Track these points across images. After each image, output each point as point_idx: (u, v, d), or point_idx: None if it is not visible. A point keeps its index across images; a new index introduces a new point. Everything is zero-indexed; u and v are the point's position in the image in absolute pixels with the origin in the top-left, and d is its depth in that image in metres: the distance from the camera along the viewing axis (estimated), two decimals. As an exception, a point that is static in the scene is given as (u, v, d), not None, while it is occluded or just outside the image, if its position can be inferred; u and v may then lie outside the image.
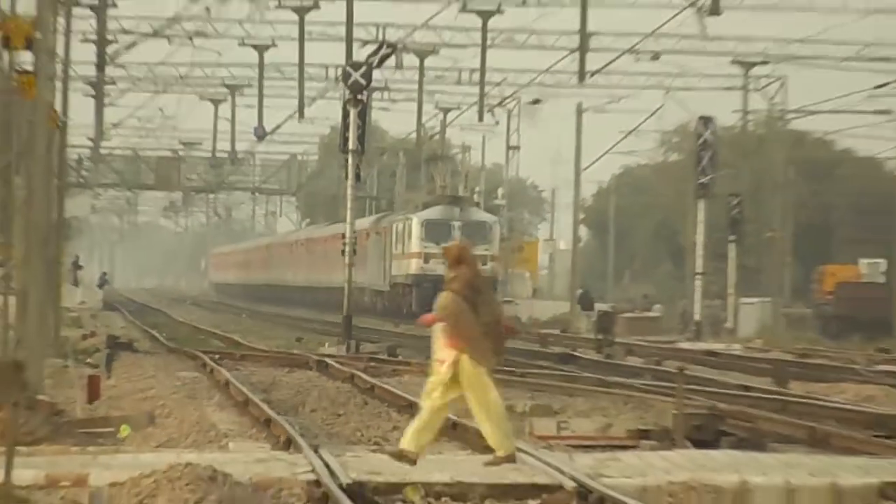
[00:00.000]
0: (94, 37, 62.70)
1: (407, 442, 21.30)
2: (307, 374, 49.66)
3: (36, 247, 40.31)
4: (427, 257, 77.35)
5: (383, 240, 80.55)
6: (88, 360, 38.19)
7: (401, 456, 21.17)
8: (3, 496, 16.77)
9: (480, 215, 78.42)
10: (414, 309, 71.64)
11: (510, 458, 21.39)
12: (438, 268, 68.83)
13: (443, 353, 21.24)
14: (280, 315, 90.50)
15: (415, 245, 78.12)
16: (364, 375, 47.36)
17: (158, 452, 24.31)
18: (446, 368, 21.07)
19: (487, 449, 23.80)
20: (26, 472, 19.25)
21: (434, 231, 75.34)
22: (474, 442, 27.42)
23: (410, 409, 35.05)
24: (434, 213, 75.70)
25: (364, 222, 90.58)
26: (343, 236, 73.17)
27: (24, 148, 39.08)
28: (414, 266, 78.18)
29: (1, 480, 16.98)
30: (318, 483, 19.41)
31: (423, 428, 21.69)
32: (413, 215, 79.50)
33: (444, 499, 20.02)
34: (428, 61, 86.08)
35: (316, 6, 70.47)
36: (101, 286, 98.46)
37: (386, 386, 43.20)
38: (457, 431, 30.00)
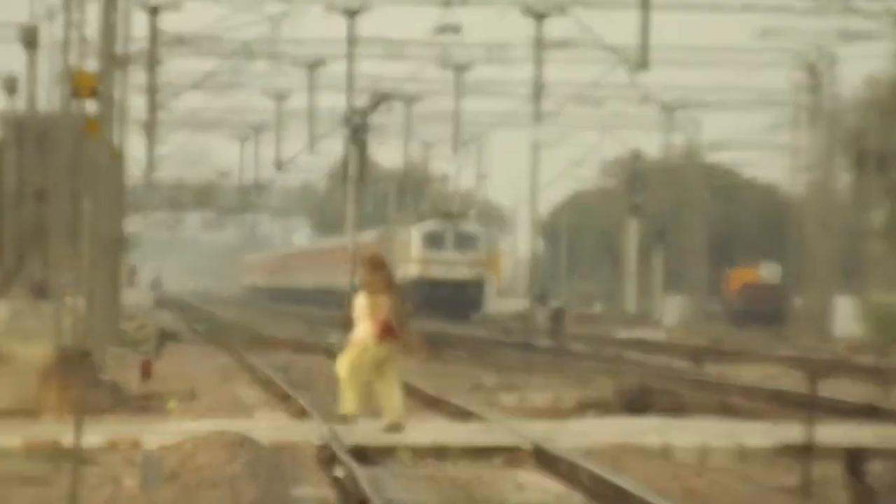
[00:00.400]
0: (145, 88, 62.66)
1: (344, 408, 22.91)
2: (317, 358, 48.65)
3: (100, 257, 41.46)
4: (426, 262, 76.79)
5: (386, 248, 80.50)
6: (142, 348, 37.94)
7: (343, 419, 22.64)
8: (73, 456, 14.83)
9: (470, 227, 78.07)
10: (415, 305, 67.67)
11: (398, 426, 22.63)
12: (435, 271, 74.43)
13: (360, 336, 22.77)
14: (297, 312, 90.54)
15: (415, 252, 77.15)
16: None
17: (198, 421, 24.33)
18: (363, 348, 22.72)
19: (463, 418, 26.84)
20: (93, 436, 19.18)
21: (432, 240, 74.93)
22: (453, 413, 28.56)
23: (409, 387, 33.89)
24: (431, 225, 74.41)
25: (369, 234, 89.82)
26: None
27: (91, 177, 39.61)
28: (414, 270, 76.77)
29: (72, 443, 15.80)
30: (326, 446, 19.79)
31: (352, 397, 22.96)
32: (413, 227, 78.69)
33: (427, 458, 20.84)
34: (415, 106, 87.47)
35: (323, 63, 71.64)
36: (152, 288, 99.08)
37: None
38: (439, 405, 30.76)
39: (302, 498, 16.38)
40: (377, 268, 23.74)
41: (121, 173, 49.43)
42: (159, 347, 40.53)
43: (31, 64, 57.56)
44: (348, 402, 23.02)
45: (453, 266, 75.68)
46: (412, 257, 77.21)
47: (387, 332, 22.70)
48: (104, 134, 42.16)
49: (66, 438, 18.65)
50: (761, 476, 18.97)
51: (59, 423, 22.77)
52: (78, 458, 15.36)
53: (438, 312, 67.25)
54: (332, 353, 48.50)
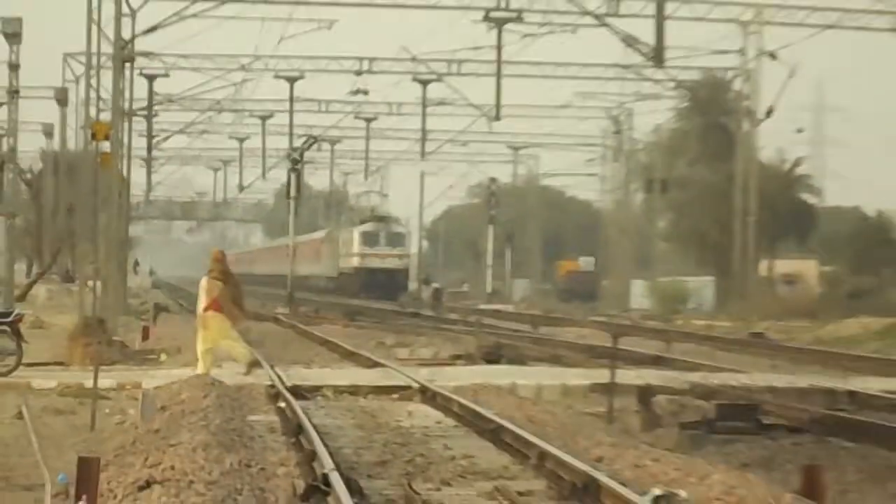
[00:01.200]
0: (145, 133, 63.11)
1: (200, 367, 22.29)
2: (268, 324, 48.35)
3: (112, 252, 41.60)
4: (364, 256, 72.44)
5: (334, 245, 79.66)
6: (143, 317, 37.55)
7: (200, 377, 21.39)
8: (92, 394, 17.23)
9: (398, 228, 75.11)
10: (356, 288, 69.97)
11: (252, 365, 22.79)
12: (371, 262, 71.48)
13: (204, 310, 22.61)
14: (254, 292, 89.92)
15: (356, 247, 72.67)
16: (300, 325, 46.83)
17: (182, 369, 24.54)
18: (206, 320, 22.39)
19: (370, 366, 26.94)
20: (106, 381, 20.76)
21: (368, 238, 71.89)
22: (362, 362, 28.57)
23: (326, 343, 36.59)
24: (368, 226, 71.60)
25: (318, 234, 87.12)
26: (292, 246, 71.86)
27: (105, 196, 39.37)
28: (355, 261, 73.12)
29: (91, 385, 18.02)
30: (272, 386, 20.37)
31: (205, 358, 22.55)
32: (354, 228, 75.37)
33: (344, 394, 21.87)
34: (337, 146, 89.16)
35: (272, 115, 72.54)
36: (150, 275, 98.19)
37: (311, 331, 42.91)
38: (353, 357, 30.44)
39: (255, 422, 16.68)
40: (218, 261, 23.49)
41: (127, 193, 48.95)
42: (155, 317, 39.60)
43: (63, 116, 58.88)
44: (204, 364, 22.75)
45: (385, 258, 72.33)
46: (354, 252, 73.19)
47: (213, 306, 22.49)
48: (115, 165, 41.98)
49: (88, 382, 19.23)
50: (579, 406, 20.65)
51: (82, 371, 22.84)
52: (95, 395, 17.07)
53: (374, 293, 65.26)
54: (279, 321, 48.69)
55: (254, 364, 22.84)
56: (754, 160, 46.08)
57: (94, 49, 36.65)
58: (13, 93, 43.71)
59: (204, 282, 22.87)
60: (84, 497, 8.58)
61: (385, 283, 68.38)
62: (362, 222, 75.03)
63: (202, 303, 22.71)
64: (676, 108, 60.27)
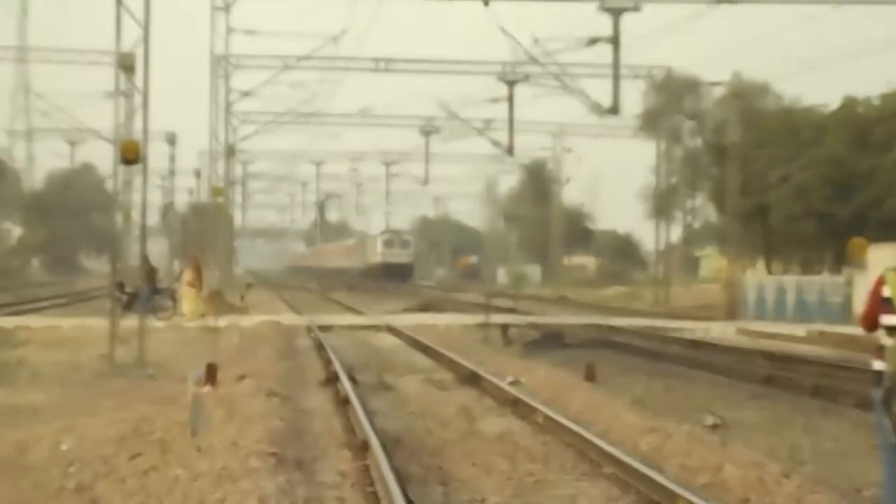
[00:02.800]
0: (242, 192, 73.68)
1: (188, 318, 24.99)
2: (315, 295, 52.27)
3: (225, 255, 44.84)
4: (384, 254, 70.20)
5: (362, 248, 79.44)
6: (240, 290, 39.02)
7: (189, 319, 24.73)
8: (212, 329, 19.69)
9: (406, 236, 75.19)
10: (379, 276, 69.32)
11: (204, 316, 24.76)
12: (389, 258, 71.01)
13: (187, 287, 26.06)
14: (314, 279, 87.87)
15: (379, 249, 70.87)
16: (329, 294, 50.17)
17: (262, 316, 27.68)
18: (189, 292, 25.91)
19: (360, 315, 30.05)
20: (222, 322, 22.68)
21: (387, 243, 70.95)
22: (356, 313, 31.64)
23: (338, 303, 40.43)
24: (387, 235, 72.40)
25: (352, 240, 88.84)
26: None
27: (223, 225, 45.48)
28: (379, 258, 70.13)
29: (213, 324, 21.14)
30: (309, 326, 23.67)
31: (192, 312, 25.48)
32: (378, 236, 74.92)
33: (346, 329, 24.56)
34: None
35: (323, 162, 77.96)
36: (244, 268, 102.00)
37: (337, 298, 44.68)
38: (351, 310, 33.54)
39: (299, 343, 20.44)
40: (194, 259, 27.61)
41: (231, 223, 54.14)
42: (247, 289, 42.55)
43: (198, 183, 62.65)
44: (189, 313, 25.65)
45: (398, 256, 70.63)
46: (378, 252, 71.37)
47: (191, 284, 26.25)
48: (226, 208, 47.30)
49: (213, 323, 21.77)
50: (471, 335, 23.31)
51: (212, 318, 23.58)
52: (215, 329, 20.19)
53: (391, 280, 66.56)
54: (322, 295, 51.12)
55: (198, 316, 25.61)
56: (559, 205, 61.92)
57: (213, 146, 42.78)
58: (171, 172, 56.99)
59: (184, 272, 27.58)
60: (209, 384, 10.71)
61: (398, 273, 70.58)
62: (383, 233, 77.69)
63: (184, 284, 27.32)
64: (520, 179, 76.46)
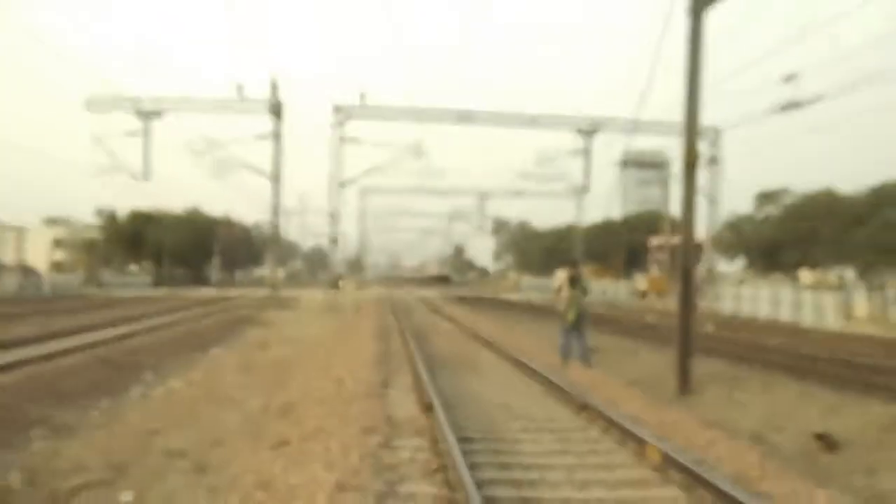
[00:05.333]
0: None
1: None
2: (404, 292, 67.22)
3: (352, 274, 62.35)
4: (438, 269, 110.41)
5: (423, 266, 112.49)
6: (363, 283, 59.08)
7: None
8: (358, 294, 40.12)
9: (444, 262, 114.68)
10: (432, 283, 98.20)
11: None
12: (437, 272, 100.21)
13: (348, 282, 46.38)
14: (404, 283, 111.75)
15: (432, 267, 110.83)
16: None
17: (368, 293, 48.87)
18: (349, 283, 49.88)
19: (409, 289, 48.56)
20: (363, 293, 43.70)
21: (441, 266, 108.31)
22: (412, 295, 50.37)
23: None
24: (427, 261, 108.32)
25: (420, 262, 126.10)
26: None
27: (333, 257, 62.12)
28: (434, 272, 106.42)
29: (358, 293, 40.67)
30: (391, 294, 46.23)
31: (351, 289, 47.12)
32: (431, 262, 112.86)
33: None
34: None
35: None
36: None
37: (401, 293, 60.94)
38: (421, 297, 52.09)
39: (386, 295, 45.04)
40: (341, 275, 50.71)
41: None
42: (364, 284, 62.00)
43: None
44: (350, 290, 43.18)
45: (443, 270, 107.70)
46: (433, 269, 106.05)
47: (347, 282, 48.83)
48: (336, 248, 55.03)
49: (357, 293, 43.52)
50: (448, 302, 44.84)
51: (357, 291, 48.18)
52: (336, 303, 41.33)
53: (435, 284, 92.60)
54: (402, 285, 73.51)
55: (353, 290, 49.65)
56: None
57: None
58: (302, 210, 71.09)
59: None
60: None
61: (442, 280, 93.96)
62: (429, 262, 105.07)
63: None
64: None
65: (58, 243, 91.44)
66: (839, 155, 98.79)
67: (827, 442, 10.18)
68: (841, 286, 46.96)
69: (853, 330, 31.76)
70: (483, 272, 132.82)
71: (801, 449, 10.02)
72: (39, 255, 79.46)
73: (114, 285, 62.73)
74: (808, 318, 36.24)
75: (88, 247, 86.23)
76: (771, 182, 72.32)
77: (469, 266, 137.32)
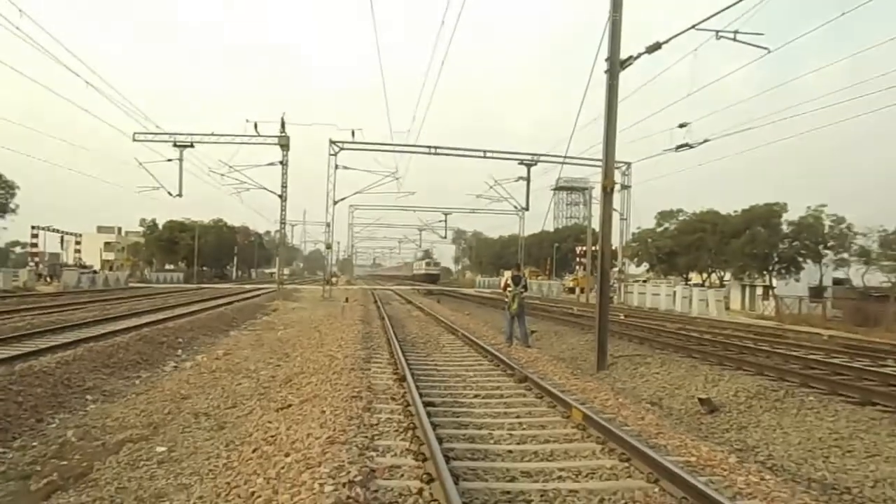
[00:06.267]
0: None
1: None
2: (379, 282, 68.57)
3: (343, 273, 62.18)
4: (424, 268, 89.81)
5: (410, 265, 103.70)
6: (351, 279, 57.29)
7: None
8: (346, 289, 38.34)
9: (435, 258, 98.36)
10: (421, 281, 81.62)
11: None
12: (429, 270, 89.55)
13: (337, 279, 51.71)
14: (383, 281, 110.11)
15: (423, 265, 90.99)
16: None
17: (345, 291, 47.07)
18: (340, 280, 46.41)
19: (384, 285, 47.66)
20: (349, 286, 44.24)
21: (426, 262, 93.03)
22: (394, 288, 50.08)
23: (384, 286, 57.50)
24: (426, 258, 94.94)
25: (411, 262, 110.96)
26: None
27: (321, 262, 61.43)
28: (423, 270, 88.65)
29: (347, 287, 40.63)
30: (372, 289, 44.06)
31: (341, 283, 43.53)
32: (422, 260, 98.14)
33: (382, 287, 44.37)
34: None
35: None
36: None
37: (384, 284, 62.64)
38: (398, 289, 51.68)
39: (369, 290, 43.47)
40: (333, 274, 47.45)
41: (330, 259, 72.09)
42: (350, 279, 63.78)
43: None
44: (339, 284, 43.31)
45: (432, 268, 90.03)
46: (422, 266, 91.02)
47: (338, 279, 46.05)
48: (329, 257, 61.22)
49: (333, 291, 43.53)
50: (418, 295, 43.59)
51: (347, 285, 47.22)
52: (330, 294, 40.98)
53: (428, 282, 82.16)
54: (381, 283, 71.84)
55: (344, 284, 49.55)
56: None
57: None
58: (327, 224, 72.10)
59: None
60: (346, 301, 36.21)
61: (432, 279, 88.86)
62: (424, 257, 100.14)
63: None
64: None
65: (108, 247, 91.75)
66: (719, 183, 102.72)
67: (708, 406, 10.31)
68: (721, 284, 49.09)
69: (730, 318, 32.01)
70: (447, 272, 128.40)
71: (688, 411, 10.17)
72: (94, 256, 79.92)
73: (153, 281, 61.69)
74: (696, 309, 36.50)
75: (133, 250, 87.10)
76: (668, 204, 74.74)
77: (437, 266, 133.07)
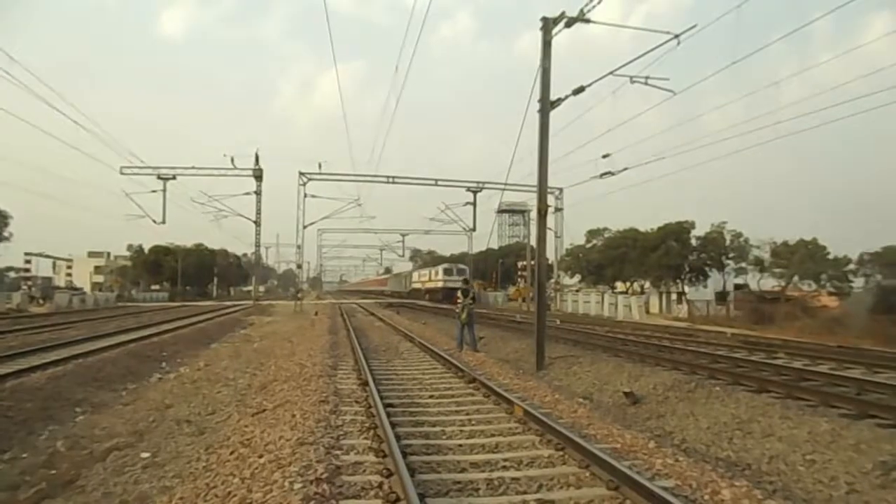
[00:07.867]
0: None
1: None
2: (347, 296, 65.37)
3: (313, 289, 60.38)
4: (445, 280, 59.52)
5: (399, 278, 74.95)
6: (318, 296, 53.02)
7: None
8: (317, 304, 35.53)
9: (461, 266, 63.05)
10: (440, 298, 59.47)
11: None
12: (447, 284, 60.97)
13: (306, 294, 47.53)
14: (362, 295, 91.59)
15: (441, 276, 60.32)
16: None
17: (314, 307, 44.27)
18: (307, 295, 43.51)
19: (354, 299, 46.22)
20: (320, 302, 42.20)
21: (447, 272, 61.48)
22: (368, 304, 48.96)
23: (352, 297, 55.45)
24: (445, 266, 63.67)
25: (416, 271, 76.81)
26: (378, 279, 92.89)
27: (295, 281, 59.58)
28: (441, 284, 59.66)
29: (318, 303, 37.44)
30: (340, 303, 42.54)
31: (309, 301, 39.49)
32: (440, 266, 67.74)
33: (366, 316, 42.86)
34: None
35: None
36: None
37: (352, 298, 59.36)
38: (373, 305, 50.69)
39: (341, 323, 37.90)
40: (301, 290, 43.45)
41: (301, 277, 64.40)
42: (300, 300, 52.31)
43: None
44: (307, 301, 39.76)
45: (453, 281, 59.02)
46: (439, 279, 63.79)
47: (306, 295, 44.09)
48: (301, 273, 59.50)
49: (317, 302, 42.09)
50: (382, 308, 41.53)
51: (317, 301, 44.54)
52: (301, 309, 39.00)
53: (448, 299, 60.78)
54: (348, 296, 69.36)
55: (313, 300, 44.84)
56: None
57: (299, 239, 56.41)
58: (298, 247, 69.42)
59: None
60: (316, 314, 35.21)
61: (453, 293, 69.25)
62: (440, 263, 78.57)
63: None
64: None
65: (98, 269, 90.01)
66: (638, 205, 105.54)
67: (631, 398, 10.37)
68: (642, 292, 49.59)
69: (650, 320, 32.36)
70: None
71: (614, 403, 10.24)
72: (85, 279, 79.80)
73: (140, 300, 59.88)
74: (621, 314, 36.67)
75: (121, 272, 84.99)
76: (596, 223, 75.52)
77: None
